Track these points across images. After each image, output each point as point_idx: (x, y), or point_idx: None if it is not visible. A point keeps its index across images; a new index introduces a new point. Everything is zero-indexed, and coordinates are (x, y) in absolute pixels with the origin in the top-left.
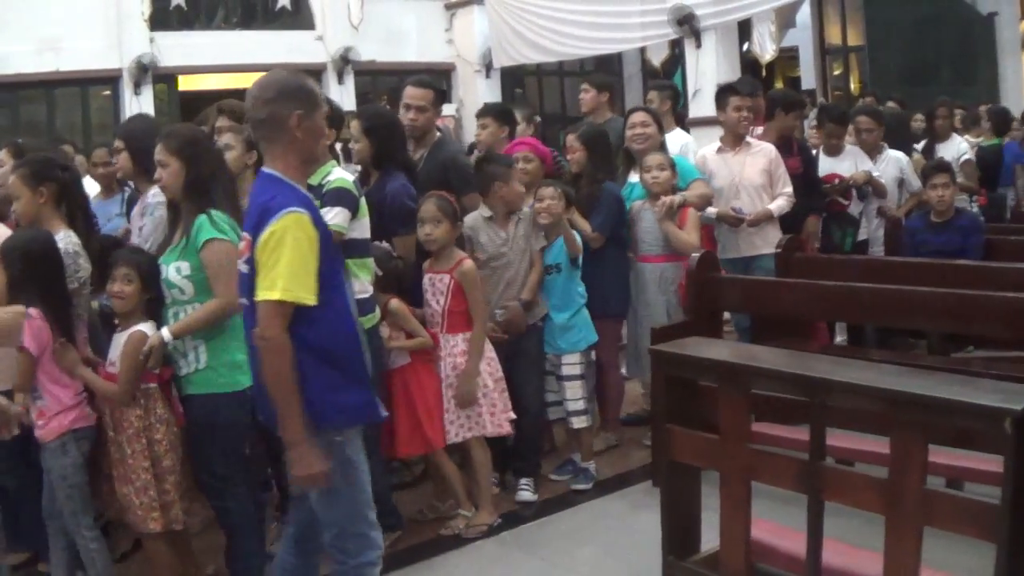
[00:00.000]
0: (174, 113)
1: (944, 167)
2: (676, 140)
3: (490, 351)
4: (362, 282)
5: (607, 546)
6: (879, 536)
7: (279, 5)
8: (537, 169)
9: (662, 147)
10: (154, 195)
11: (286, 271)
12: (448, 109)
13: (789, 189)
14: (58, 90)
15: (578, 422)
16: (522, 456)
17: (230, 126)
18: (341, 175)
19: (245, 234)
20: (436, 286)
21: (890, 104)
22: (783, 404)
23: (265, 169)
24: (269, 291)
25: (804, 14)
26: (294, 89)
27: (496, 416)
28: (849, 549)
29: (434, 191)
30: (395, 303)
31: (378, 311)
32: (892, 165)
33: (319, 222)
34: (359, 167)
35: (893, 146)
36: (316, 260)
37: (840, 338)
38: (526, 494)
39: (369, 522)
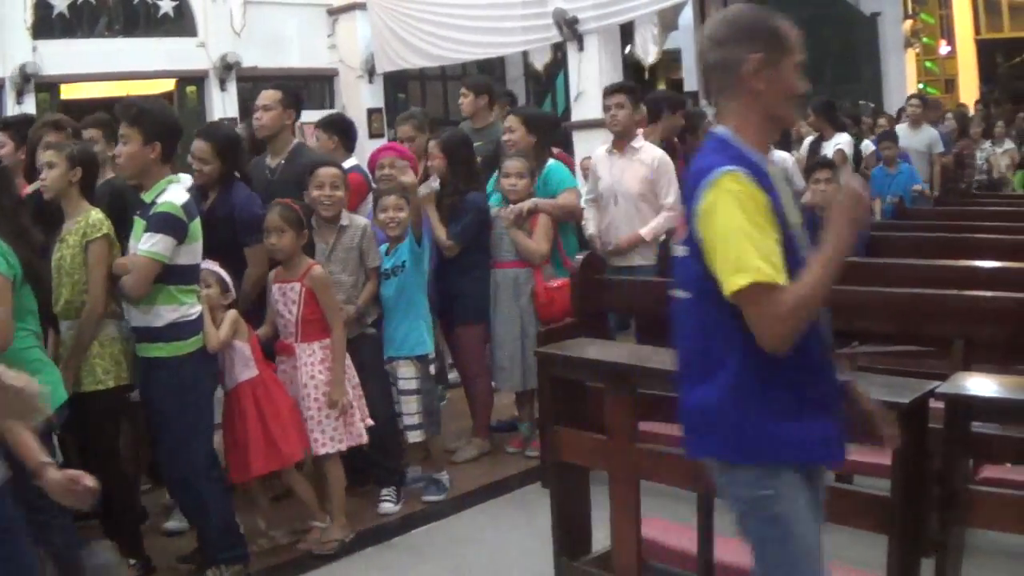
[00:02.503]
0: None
1: (826, 163)
2: None
3: (346, 357)
4: (188, 306)
5: (498, 549)
6: None
7: (161, 12)
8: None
9: (539, 153)
10: None
11: (745, 245)
12: None
13: (671, 200)
14: None
15: (412, 436)
16: (380, 465)
17: (52, 143)
18: (170, 198)
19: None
20: (287, 295)
21: None
22: (670, 403)
23: (714, 129)
24: (738, 275)
25: (687, 16)
26: (753, 27)
27: (356, 425)
28: (740, 544)
29: (279, 200)
30: (233, 312)
31: (201, 335)
32: (777, 165)
33: (766, 185)
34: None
35: (775, 146)
36: (773, 228)
37: None
38: (387, 504)
39: None
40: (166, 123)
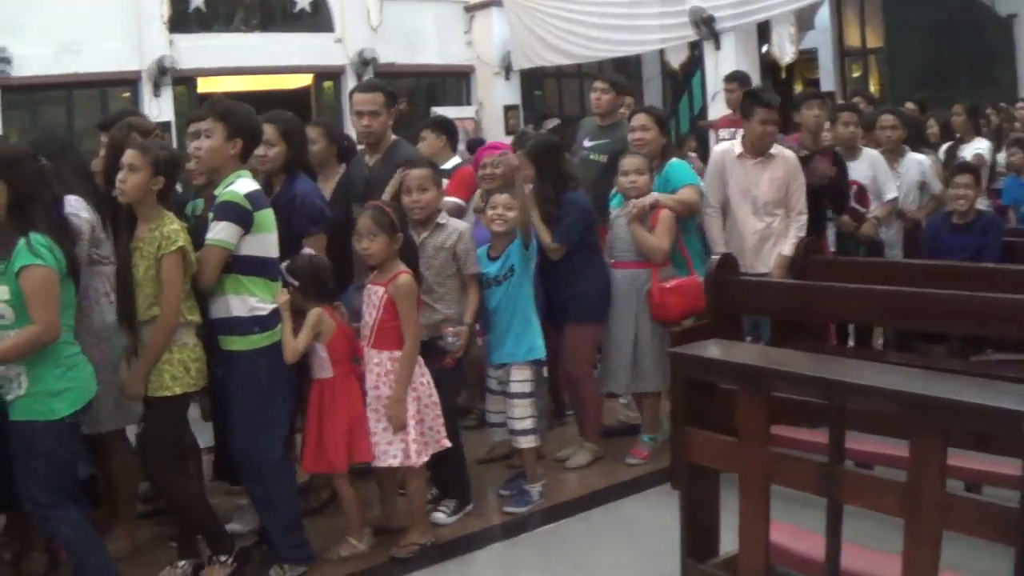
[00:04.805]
0: (194, 115)
1: (968, 168)
2: None
3: (423, 374)
4: (259, 299)
5: (624, 549)
6: (898, 539)
7: (298, 7)
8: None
9: (664, 152)
10: None
11: None
12: (468, 111)
13: (800, 207)
14: (77, 92)
15: (524, 442)
16: (453, 478)
17: (138, 142)
18: (234, 188)
19: None
20: (371, 298)
21: (908, 106)
22: (802, 407)
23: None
24: None
25: (823, 16)
26: None
27: (429, 446)
28: (868, 552)
29: (372, 202)
30: (313, 313)
31: (279, 328)
32: (914, 168)
33: None
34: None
35: (912, 148)
36: None
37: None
38: (440, 515)
39: None
40: (250, 124)
